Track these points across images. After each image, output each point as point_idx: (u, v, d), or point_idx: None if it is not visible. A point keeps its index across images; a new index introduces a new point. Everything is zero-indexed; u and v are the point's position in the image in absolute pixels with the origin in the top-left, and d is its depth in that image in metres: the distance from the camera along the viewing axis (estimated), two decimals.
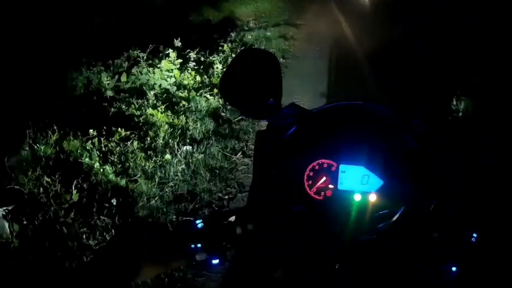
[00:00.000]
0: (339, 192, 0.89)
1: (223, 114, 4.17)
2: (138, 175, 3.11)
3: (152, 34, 6.23)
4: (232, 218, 0.86)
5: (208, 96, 4.37)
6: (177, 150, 3.47)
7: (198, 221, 0.85)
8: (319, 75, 5.89)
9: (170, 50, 4.90)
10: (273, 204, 0.90)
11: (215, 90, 4.51)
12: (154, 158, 3.34)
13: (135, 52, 5.01)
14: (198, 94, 4.42)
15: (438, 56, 5.75)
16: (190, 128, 3.83)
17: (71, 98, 4.26)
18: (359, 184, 0.89)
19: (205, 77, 4.97)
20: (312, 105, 1.00)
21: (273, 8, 15.89)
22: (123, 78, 4.61)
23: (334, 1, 22.04)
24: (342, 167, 0.89)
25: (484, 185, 0.91)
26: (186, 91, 4.49)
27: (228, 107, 4.31)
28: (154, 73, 4.75)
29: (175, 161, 3.38)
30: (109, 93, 4.39)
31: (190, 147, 3.57)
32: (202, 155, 3.44)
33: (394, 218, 0.86)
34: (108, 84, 4.50)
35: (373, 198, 0.86)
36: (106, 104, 4.12)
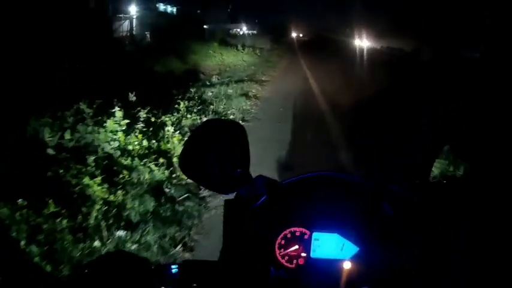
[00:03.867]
0: (312, 261, 0.89)
1: (167, 190, 3.64)
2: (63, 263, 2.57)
3: (112, 83, 5.79)
4: (208, 269, 0.81)
5: (153, 166, 3.85)
6: (109, 237, 2.91)
7: (173, 266, 0.78)
8: (280, 142, 5.47)
9: (117, 109, 4.40)
10: (251, 263, 0.86)
11: (161, 160, 4.01)
12: (81, 244, 2.77)
13: (84, 106, 4.49)
14: (142, 163, 3.90)
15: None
16: (128, 206, 3.28)
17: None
18: (333, 251, 0.88)
19: (154, 141, 4.47)
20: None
21: (238, 62, 15.94)
22: (67, 135, 4.05)
23: (303, 57, 22.97)
24: (315, 234, 0.88)
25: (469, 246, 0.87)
26: (130, 158, 3.96)
27: (174, 181, 3.81)
28: (99, 133, 4.24)
29: (104, 250, 2.81)
30: (50, 151, 3.81)
31: (125, 232, 3.01)
32: (136, 245, 2.88)
33: (371, 287, 0.83)
34: (50, 140, 3.94)
35: (347, 265, 0.84)
36: (44, 164, 3.56)
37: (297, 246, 0.88)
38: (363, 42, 33.59)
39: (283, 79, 13.09)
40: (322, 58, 23.73)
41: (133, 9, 23.47)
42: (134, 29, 23.52)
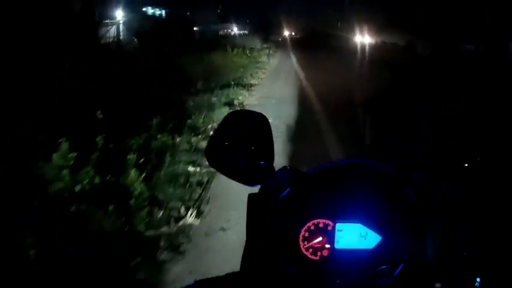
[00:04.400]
0: (336, 252, 0.89)
1: None
2: None
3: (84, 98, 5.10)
4: (224, 284, 0.80)
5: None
6: None
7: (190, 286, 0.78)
8: None
9: (62, 139, 3.63)
10: (265, 269, 0.86)
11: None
12: None
13: None
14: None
15: None
16: None
17: None
18: (357, 242, 0.88)
19: (111, 176, 3.69)
20: None
21: (227, 64, 15.11)
22: None
23: (295, 55, 22.33)
24: (338, 225, 0.88)
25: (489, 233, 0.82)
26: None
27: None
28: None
29: None
30: None
31: None
32: None
33: (394, 274, 0.84)
34: None
35: (371, 255, 0.86)
36: None
37: (320, 238, 0.88)
38: (356, 38, 32.87)
39: (274, 82, 12.33)
40: (314, 55, 23.21)
41: (119, 14, 22.69)
42: (121, 34, 22.74)
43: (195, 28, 39.01)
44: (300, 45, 36.22)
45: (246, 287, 0.81)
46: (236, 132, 0.93)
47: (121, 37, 22.81)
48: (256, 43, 29.04)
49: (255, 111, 0.97)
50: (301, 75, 14.56)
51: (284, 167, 0.94)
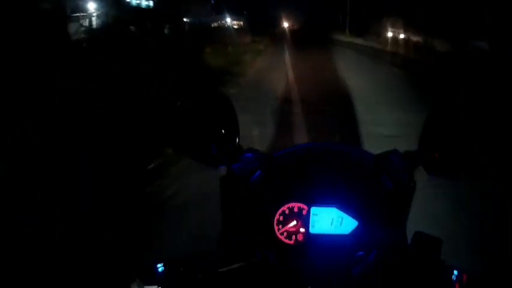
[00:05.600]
0: (310, 236, 0.88)
1: None
2: None
3: None
4: (195, 263, 0.80)
5: None
6: None
7: (159, 265, 0.78)
8: None
9: None
10: (238, 251, 0.84)
11: None
12: None
13: None
14: None
15: None
16: None
17: None
18: (332, 226, 0.87)
19: None
20: None
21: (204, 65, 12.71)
22: None
23: (291, 55, 19.17)
24: (313, 209, 0.87)
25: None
26: None
27: None
28: None
29: None
30: None
31: None
32: None
33: (370, 260, 0.82)
34: None
35: (346, 240, 0.85)
36: None
37: (295, 222, 0.87)
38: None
39: (257, 91, 9.90)
40: (317, 53, 20.18)
41: (92, 6, 20.19)
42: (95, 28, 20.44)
43: (185, 20, 36.64)
44: (299, 39, 33.41)
45: (215, 266, 0.76)
46: (200, 112, 0.91)
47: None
48: (247, 37, 26.15)
49: (219, 92, 0.95)
50: (294, 93, 9.36)
51: (250, 149, 0.96)
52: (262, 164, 0.89)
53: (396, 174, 0.86)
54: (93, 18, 20.97)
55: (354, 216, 0.85)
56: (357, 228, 0.85)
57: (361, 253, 0.82)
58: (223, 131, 0.89)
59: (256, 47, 21.02)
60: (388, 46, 20.52)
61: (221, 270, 0.78)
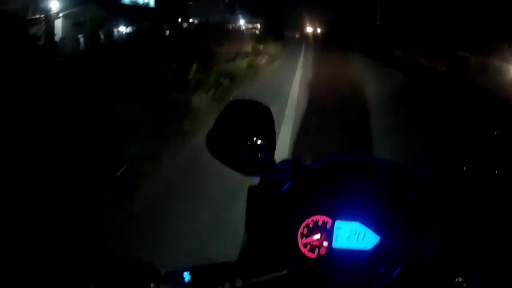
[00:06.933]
0: (333, 251, 0.83)
1: None
2: None
3: None
4: (221, 273, 0.75)
5: None
6: None
7: (185, 273, 0.74)
8: None
9: None
10: (267, 258, 0.80)
11: None
12: None
13: None
14: None
15: None
16: None
17: None
18: (354, 241, 0.82)
19: None
20: None
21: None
22: None
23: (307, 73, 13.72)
24: (337, 223, 0.83)
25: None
26: None
27: None
28: None
29: None
30: None
31: None
32: None
33: (392, 277, 0.79)
34: None
35: (368, 256, 0.81)
36: None
37: (319, 235, 0.83)
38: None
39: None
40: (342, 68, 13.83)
41: (54, 5, 16.48)
42: (60, 32, 16.91)
43: (191, 20, 32.89)
44: (321, 48, 27.71)
45: (243, 276, 0.75)
46: (238, 121, 0.92)
47: (60, 35, 17.00)
48: (252, 43, 20.30)
49: (258, 102, 0.95)
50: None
51: (285, 160, 0.95)
52: (293, 175, 0.87)
53: (423, 187, 0.83)
54: (60, 20, 17.55)
55: (377, 231, 0.80)
56: (380, 243, 0.80)
57: (383, 269, 0.77)
58: (260, 140, 0.90)
59: (258, 60, 15.70)
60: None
61: (251, 281, 0.74)
